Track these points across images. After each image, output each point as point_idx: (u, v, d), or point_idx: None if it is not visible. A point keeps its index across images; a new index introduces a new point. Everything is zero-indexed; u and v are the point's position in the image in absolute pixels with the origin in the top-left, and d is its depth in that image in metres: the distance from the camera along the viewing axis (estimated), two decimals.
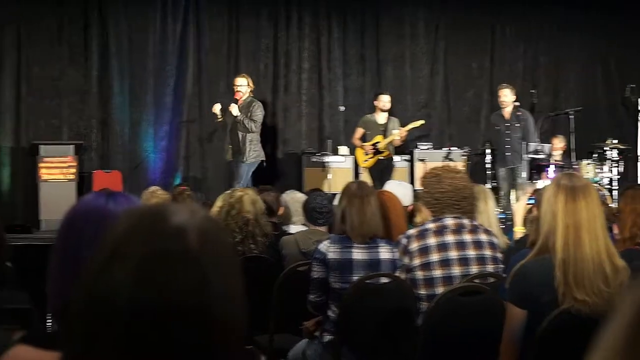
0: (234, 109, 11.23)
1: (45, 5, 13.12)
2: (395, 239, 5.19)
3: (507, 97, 11.85)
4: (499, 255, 4.93)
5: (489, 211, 5.90)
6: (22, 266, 4.77)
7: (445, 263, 4.74)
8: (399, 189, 6.88)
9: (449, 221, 4.81)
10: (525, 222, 6.25)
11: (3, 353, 1.77)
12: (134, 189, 11.79)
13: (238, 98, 11.35)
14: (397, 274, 4.93)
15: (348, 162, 13.44)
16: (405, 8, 14.90)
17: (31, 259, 6.11)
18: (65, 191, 11.27)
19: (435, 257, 4.73)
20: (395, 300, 4.86)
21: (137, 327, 1.29)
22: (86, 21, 13.30)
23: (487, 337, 4.08)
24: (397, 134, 12.36)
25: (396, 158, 13.11)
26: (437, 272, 4.73)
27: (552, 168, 11.42)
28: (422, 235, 4.79)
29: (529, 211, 6.07)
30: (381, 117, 12.60)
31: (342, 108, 13.69)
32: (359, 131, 12.71)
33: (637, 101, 14.31)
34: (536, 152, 11.69)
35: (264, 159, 11.57)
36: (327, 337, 5.17)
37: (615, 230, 4.96)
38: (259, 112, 11.33)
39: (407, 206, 6.39)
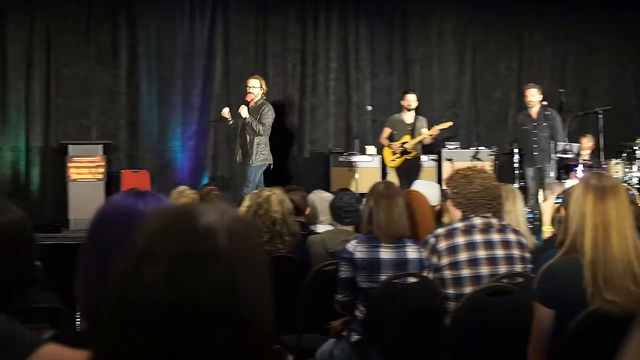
0: (244, 111, 11.09)
1: (74, 6, 13.20)
2: (422, 239, 5.18)
3: (534, 96, 11.82)
4: (527, 255, 4.91)
5: (517, 211, 5.87)
6: (51, 265, 4.80)
7: (473, 262, 4.73)
8: (427, 188, 6.85)
9: (477, 220, 4.81)
10: (553, 222, 6.20)
11: (33, 352, 1.78)
12: (162, 188, 11.85)
13: (249, 100, 11.20)
14: (424, 273, 4.93)
15: (375, 162, 13.43)
16: (432, 7, 14.87)
17: (60, 258, 6.15)
18: (93, 191, 11.33)
19: (463, 256, 4.73)
20: (423, 300, 4.85)
21: (166, 327, 1.30)
22: (115, 22, 13.37)
23: (515, 337, 4.06)
24: (427, 133, 12.33)
25: (423, 158, 13.09)
26: (465, 272, 4.72)
27: (580, 168, 11.35)
28: (450, 234, 4.79)
29: (557, 210, 6.03)
30: (408, 117, 12.58)
31: (369, 108, 13.68)
32: (387, 131, 12.69)
33: None
34: (564, 151, 11.63)
35: (271, 162, 11.41)
36: (355, 337, 5.17)
37: None
38: (269, 115, 11.15)
39: (434, 206, 6.37)
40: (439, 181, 12.68)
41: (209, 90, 13.75)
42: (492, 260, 4.76)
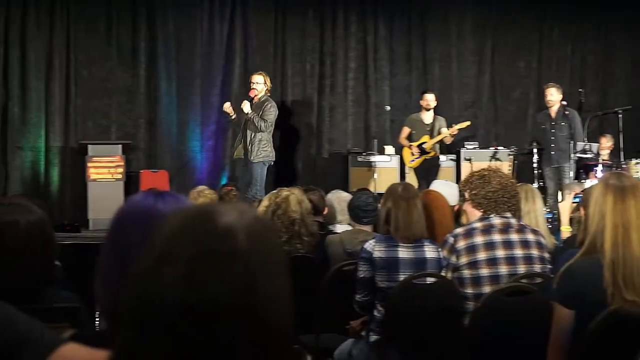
0: (246, 106, 10.99)
1: (94, 7, 13.25)
2: (440, 239, 5.18)
3: (553, 96, 11.78)
4: (547, 255, 4.91)
5: (536, 211, 5.86)
6: (70, 265, 4.82)
7: (492, 262, 4.73)
8: (445, 188, 6.84)
9: (496, 220, 4.81)
10: (572, 222, 6.19)
11: (53, 351, 1.79)
12: (180, 188, 11.88)
13: (253, 96, 11.12)
14: (443, 273, 4.93)
15: (394, 162, 13.42)
16: (451, 7, 14.84)
17: (80, 258, 6.17)
18: (112, 191, 11.35)
19: (482, 255, 4.73)
20: (442, 300, 4.85)
21: (185, 327, 1.30)
22: (134, 22, 13.41)
23: (534, 337, 4.05)
24: (445, 133, 12.32)
25: (442, 158, 13.08)
26: (484, 271, 4.72)
27: (599, 167, 11.29)
28: (469, 233, 4.79)
29: (575, 210, 6.02)
30: (427, 117, 12.58)
31: (387, 108, 13.67)
32: (405, 130, 12.69)
33: None
34: (584, 151, 11.59)
35: (273, 159, 11.38)
36: (373, 337, 5.16)
37: None
38: (271, 112, 11.06)
39: (453, 206, 6.36)
40: (458, 181, 12.65)
41: (228, 90, 13.77)
42: (511, 260, 4.75)
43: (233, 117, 11.39)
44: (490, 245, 4.75)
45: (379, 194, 7.61)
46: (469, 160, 13.41)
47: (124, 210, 2.05)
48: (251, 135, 10.94)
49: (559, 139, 11.64)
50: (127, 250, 1.93)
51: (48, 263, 3.21)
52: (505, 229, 4.82)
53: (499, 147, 13.73)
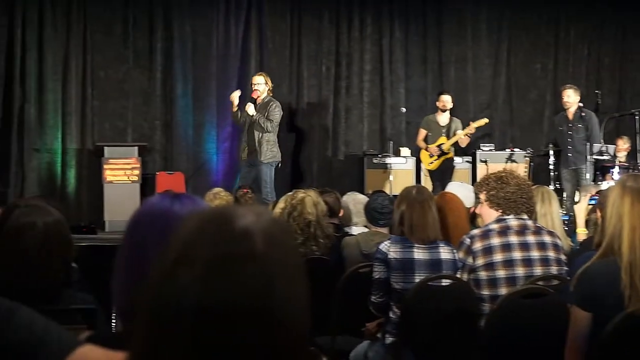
0: (250, 108, 11.01)
1: (110, 9, 13.29)
2: (456, 241, 5.18)
3: (570, 97, 11.74)
4: (563, 257, 4.90)
5: (553, 213, 5.85)
6: (87, 266, 4.83)
7: (508, 263, 4.73)
8: (461, 190, 6.84)
9: (513, 222, 4.82)
10: (587, 224, 6.17)
11: (70, 352, 1.80)
12: (196, 190, 11.91)
13: (255, 97, 11.13)
14: (458, 274, 4.92)
15: (409, 164, 13.41)
16: (467, 9, 14.80)
17: (96, 259, 6.18)
18: (129, 192, 11.38)
19: (498, 257, 4.73)
20: (457, 301, 4.85)
21: (202, 329, 1.30)
22: (151, 24, 13.43)
23: (551, 340, 4.04)
24: (463, 133, 12.31)
25: (457, 159, 13.07)
26: (501, 273, 4.72)
27: (616, 169, 11.25)
28: (485, 235, 4.79)
29: (591, 212, 6.00)
30: (443, 118, 12.57)
31: (403, 109, 13.65)
32: (422, 132, 12.69)
33: None
34: (600, 153, 11.54)
35: (280, 160, 11.39)
36: (389, 339, 5.16)
37: None
38: (276, 112, 11.08)
39: (469, 208, 6.36)
40: (474, 183, 12.62)
41: (243, 92, 13.76)
42: (527, 262, 4.75)
43: (235, 109, 11.37)
44: (506, 247, 4.75)
45: (394, 196, 7.60)
46: (485, 162, 13.38)
47: (141, 212, 2.06)
48: (259, 136, 10.96)
49: (576, 140, 11.61)
50: (144, 252, 1.94)
51: (65, 264, 3.23)
52: (522, 230, 4.83)
53: (514, 149, 13.70)
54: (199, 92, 13.59)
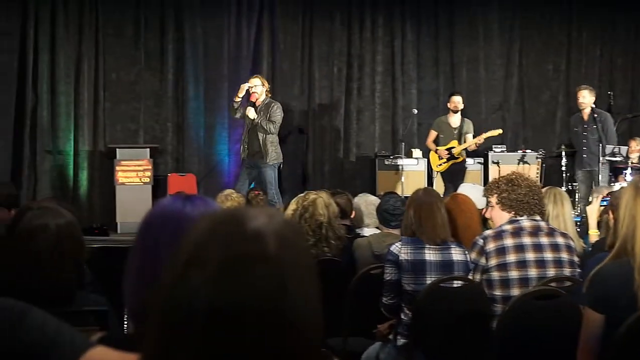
0: (251, 112, 11.02)
1: (122, 11, 13.32)
2: (468, 242, 5.17)
3: (585, 98, 11.67)
4: (576, 259, 4.90)
5: (565, 214, 5.84)
6: (98, 268, 4.84)
7: (521, 264, 4.73)
8: (473, 191, 6.85)
9: (526, 223, 4.82)
10: (600, 225, 6.15)
11: (82, 354, 1.80)
12: (208, 192, 11.93)
13: (254, 100, 11.14)
14: (470, 275, 4.92)
15: (421, 165, 13.40)
16: (478, 9, 14.78)
17: (108, 261, 6.19)
18: (140, 194, 11.40)
19: (512, 258, 4.73)
20: (469, 303, 4.84)
21: (214, 330, 1.30)
22: (162, 26, 13.46)
23: (563, 342, 4.03)
24: (473, 142, 12.28)
25: (469, 161, 13.05)
26: (514, 273, 4.72)
27: (629, 171, 11.21)
28: (498, 235, 4.80)
29: (603, 213, 5.98)
30: (455, 119, 12.54)
31: (415, 111, 13.63)
32: (432, 134, 12.67)
33: None
34: (613, 154, 11.50)
35: (282, 161, 11.45)
36: (401, 341, 5.15)
37: None
38: (278, 113, 11.10)
39: (481, 209, 6.35)
40: (485, 184, 12.59)
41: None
42: (540, 263, 4.75)
43: (239, 100, 11.33)
44: (520, 248, 4.75)
45: (406, 197, 7.60)
46: (497, 163, 13.35)
47: (153, 214, 2.06)
48: (263, 138, 10.97)
49: (591, 142, 11.56)
50: (156, 253, 1.94)
51: (77, 266, 3.23)
52: (535, 232, 4.83)
53: (527, 150, 13.67)
54: (210, 93, 13.61)
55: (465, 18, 14.74)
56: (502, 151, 13.76)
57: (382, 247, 5.94)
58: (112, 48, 13.30)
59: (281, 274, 1.34)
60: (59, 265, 3.11)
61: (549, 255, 4.77)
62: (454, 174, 12.35)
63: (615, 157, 11.53)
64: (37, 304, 1.88)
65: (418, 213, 5.22)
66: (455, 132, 12.49)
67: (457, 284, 4.95)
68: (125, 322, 3.92)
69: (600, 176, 11.25)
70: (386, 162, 13.52)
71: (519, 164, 13.11)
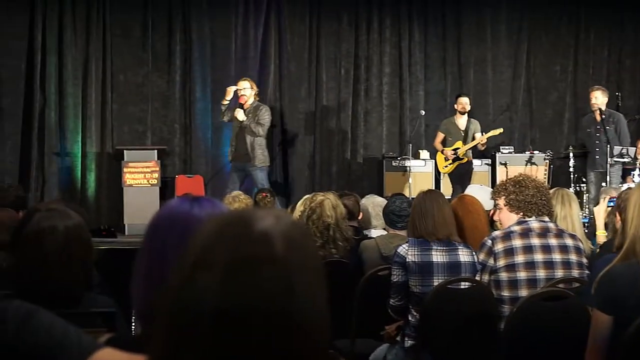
0: (240, 114, 11.06)
1: (129, 12, 13.34)
2: (476, 243, 5.17)
3: (597, 99, 11.61)
4: (585, 260, 4.89)
5: (573, 215, 5.83)
6: (106, 270, 4.85)
7: (530, 265, 4.73)
8: (481, 192, 6.83)
9: (534, 224, 4.82)
10: (607, 226, 6.14)
11: (90, 355, 1.80)
12: (215, 193, 11.94)
13: (242, 102, 11.17)
14: (478, 275, 4.92)
15: (429, 166, 13.38)
16: (486, 10, 14.76)
17: (115, 262, 6.20)
18: (148, 196, 11.39)
19: (520, 258, 4.73)
20: (477, 304, 4.84)
21: (221, 332, 1.30)
22: (170, 28, 13.47)
23: (571, 343, 4.02)
24: (477, 141, 12.28)
25: (476, 162, 13.04)
26: (522, 274, 4.72)
27: (637, 172, 11.18)
28: (507, 236, 4.80)
29: (610, 214, 5.97)
30: (462, 121, 12.54)
31: (422, 112, 13.61)
32: (440, 136, 12.68)
33: None
34: (621, 155, 11.47)
35: (269, 164, 11.49)
36: (409, 342, 5.15)
37: None
38: (266, 116, 11.15)
39: (488, 210, 6.34)
40: (493, 186, 12.58)
41: (262, 95, 13.78)
42: (549, 264, 4.74)
43: (226, 102, 11.41)
44: (528, 249, 4.75)
45: (413, 198, 7.61)
46: (505, 164, 13.32)
47: (160, 216, 2.06)
48: (251, 140, 11.00)
49: (603, 143, 11.52)
50: (163, 255, 1.94)
51: (86, 268, 3.24)
52: (544, 233, 4.83)
53: (534, 151, 13.65)
54: (217, 95, 13.59)
55: (472, 19, 14.72)
56: (510, 152, 13.74)
57: (389, 248, 5.94)
58: (119, 49, 13.32)
59: (288, 275, 1.34)
60: (67, 267, 3.12)
61: (557, 257, 4.77)
62: (461, 176, 12.34)
63: (624, 158, 11.50)
64: (44, 306, 1.88)
65: (417, 212, 5.24)
66: (462, 133, 12.48)
67: (464, 285, 4.95)
68: (133, 324, 3.93)
69: (608, 177, 11.21)
70: (394, 164, 13.51)
71: (526, 165, 13.09)
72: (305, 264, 1.38)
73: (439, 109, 14.32)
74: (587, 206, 11.10)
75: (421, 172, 13.24)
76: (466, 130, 12.48)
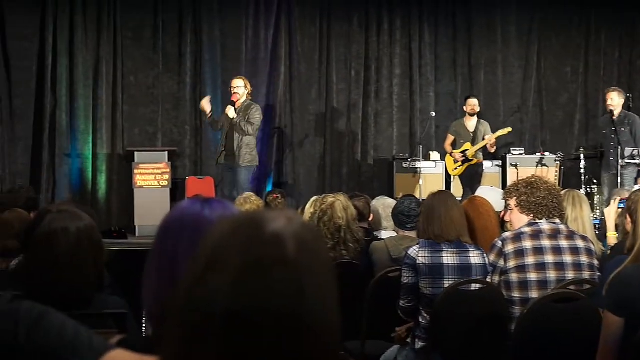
0: (231, 111, 10.96)
1: (140, 14, 13.37)
2: (486, 245, 5.16)
3: (614, 100, 11.56)
4: (596, 262, 4.87)
5: (584, 217, 5.81)
6: (117, 271, 4.86)
7: (540, 267, 4.72)
8: (491, 194, 6.82)
9: (545, 226, 4.81)
10: (618, 228, 6.13)
11: (101, 357, 1.80)
12: (226, 195, 11.93)
13: (235, 100, 11.09)
14: (489, 277, 4.92)
15: (439, 168, 13.36)
16: (497, 12, 14.74)
17: (126, 264, 6.21)
18: (159, 197, 11.41)
19: (530, 260, 4.72)
20: (488, 306, 4.83)
21: (233, 334, 1.31)
22: (180, 29, 13.50)
23: (582, 345, 4.01)
24: (486, 142, 12.26)
25: (487, 163, 13.02)
26: (532, 276, 4.71)
27: None
28: (517, 237, 4.79)
29: (621, 215, 5.96)
30: (471, 122, 12.52)
31: (432, 113, 13.60)
32: (450, 138, 12.67)
33: None
34: (632, 157, 11.44)
35: (257, 164, 11.40)
36: (419, 344, 5.14)
37: None
38: (257, 115, 11.04)
39: (499, 212, 6.33)
40: (504, 187, 12.56)
41: (273, 97, 13.83)
42: (560, 266, 4.73)
43: (209, 115, 11.40)
44: (539, 250, 4.74)
45: (423, 200, 7.60)
46: (515, 166, 13.30)
47: (171, 217, 2.06)
48: (239, 139, 10.92)
49: (617, 144, 11.46)
50: (174, 256, 1.95)
51: (97, 269, 3.24)
52: (555, 235, 4.82)
53: (545, 153, 13.62)
54: (228, 96, 13.59)
55: (483, 20, 14.71)
56: (521, 154, 13.71)
57: (398, 250, 5.94)
58: (130, 51, 13.35)
59: (299, 277, 1.34)
60: (79, 268, 3.12)
61: (568, 258, 4.76)
62: (472, 177, 12.33)
63: (635, 159, 11.46)
64: (56, 307, 1.88)
65: (426, 214, 5.24)
66: (471, 135, 12.47)
67: (475, 287, 4.94)
68: (144, 325, 3.94)
69: (620, 179, 11.16)
70: (404, 165, 13.50)
71: (537, 166, 13.06)
72: (316, 265, 1.38)
73: (449, 110, 14.32)
74: (598, 208, 11.07)
75: (432, 174, 13.21)
76: (475, 132, 12.47)
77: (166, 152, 11.97)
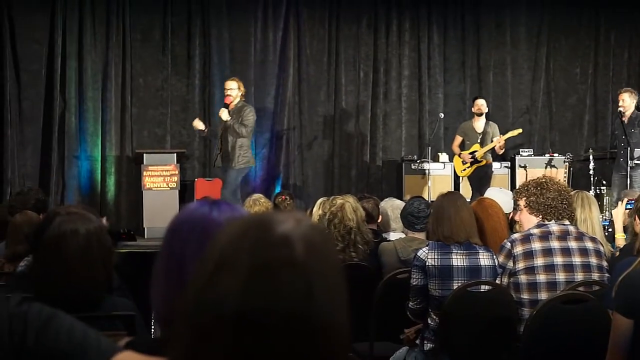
0: (224, 113, 10.94)
1: (149, 16, 13.39)
2: (495, 246, 5.15)
3: (625, 101, 11.52)
4: (605, 264, 4.86)
5: (593, 218, 5.80)
6: (126, 273, 4.86)
7: (549, 268, 4.71)
8: (500, 195, 6.81)
9: (554, 227, 4.80)
10: (626, 229, 6.11)
11: (109, 359, 1.80)
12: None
13: (228, 102, 11.07)
14: (498, 278, 4.91)
15: (448, 169, 13.36)
16: (506, 13, 14.72)
17: (135, 266, 6.22)
18: (167, 199, 11.41)
19: (539, 261, 4.71)
20: (497, 308, 4.82)
21: (242, 335, 1.30)
22: (189, 32, 13.52)
23: (591, 347, 4.00)
24: (495, 143, 12.24)
25: (495, 165, 13.00)
26: (541, 277, 4.70)
27: None
28: (526, 239, 4.79)
29: (628, 216, 5.94)
30: (479, 124, 12.50)
31: (441, 115, 13.60)
32: (457, 139, 12.65)
33: None
34: None
35: (253, 165, 11.41)
36: (428, 345, 5.14)
37: None
38: (250, 117, 10.98)
39: (508, 213, 6.32)
40: (513, 189, 12.55)
41: (282, 99, 13.84)
42: (569, 268, 4.72)
43: (205, 130, 11.49)
44: (548, 252, 4.73)
45: (432, 201, 7.59)
46: (524, 167, 13.30)
47: (180, 219, 2.06)
48: (232, 141, 10.89)
49: (631, 145, 11.42)
50: (183, 258, 1.95)
51: (106, 271, 3.25)
52: (564, 236, 4.81)
53: (554, 154, 13.60)
54: None
55: (492, 22, 14.69)
56: (529, 155, 13.71)
57: (407, 251, 5.93)
58: (139, 53, 13.38)
59: (309, 279, 1.34)
60: (89, 270, 3.13)
61: (577, 260, 4.75)
62: (480, 179, 12.31)
63: None
64: (65, 309, 1.88)
65: (435, 215, 5.23)
66: (479, 136, 12.45)
67: (484, 288, 4.94)
68: (153, 327, 3.94)
69: (628, 180, 11.12)
70: (413, 167, 13.50)
71: (546, 167, 13.05)
72: (325, 267, 1.38)
73: (458, 111, 14.31)
74: (607, 209, 11.04)
75: (440, 175, 13.21)
76: (484, 133, 12.44)
77: (175, 154, 11.97)
